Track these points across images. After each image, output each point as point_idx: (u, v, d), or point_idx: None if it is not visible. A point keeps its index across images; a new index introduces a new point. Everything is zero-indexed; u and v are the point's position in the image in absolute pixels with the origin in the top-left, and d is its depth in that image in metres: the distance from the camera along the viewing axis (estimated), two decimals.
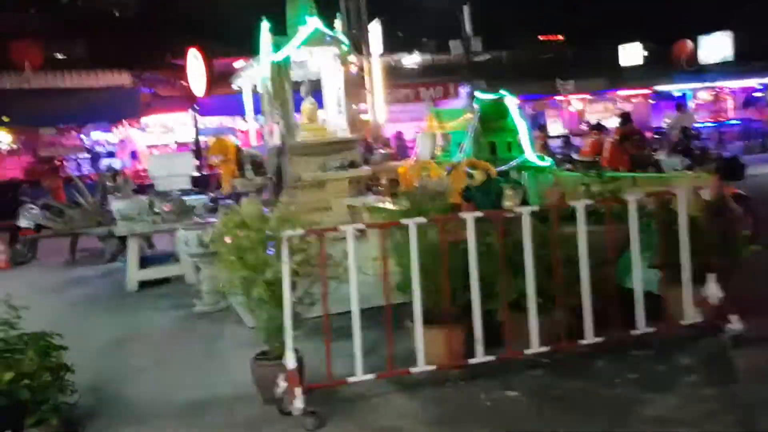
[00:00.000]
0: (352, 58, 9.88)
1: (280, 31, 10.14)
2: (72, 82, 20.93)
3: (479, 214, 4.56)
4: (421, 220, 4.29)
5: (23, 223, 13.06)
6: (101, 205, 12.89)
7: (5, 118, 20.49)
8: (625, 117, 12.31)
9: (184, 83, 22.19)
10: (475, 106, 7.60)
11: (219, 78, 19.95)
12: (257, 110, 14.10)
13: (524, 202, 6.26)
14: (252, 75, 12.72)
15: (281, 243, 4.19)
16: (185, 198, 11.09)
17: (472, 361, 4.38)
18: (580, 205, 4.54)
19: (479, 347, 4.38)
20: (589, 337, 4.59)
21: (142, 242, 9.82)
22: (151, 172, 10.99)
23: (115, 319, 7.58)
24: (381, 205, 7.68)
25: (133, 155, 27.83)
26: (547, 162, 7.54)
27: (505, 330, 4.54)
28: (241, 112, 25.09)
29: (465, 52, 22.14)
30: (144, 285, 9.06)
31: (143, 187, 18.89)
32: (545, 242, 4.59)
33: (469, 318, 4.49)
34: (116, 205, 9.35)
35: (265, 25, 9.96)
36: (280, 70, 9.57)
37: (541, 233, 4.56)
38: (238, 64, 26.84)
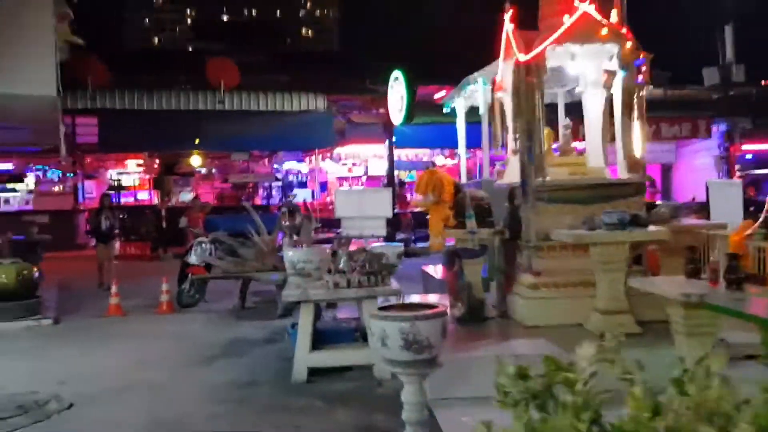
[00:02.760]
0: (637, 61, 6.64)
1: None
2: (266, 104, 19.57)
3: None
4: None
5: (193, 259, 11.14)
6: (280, 246, 10.66)
7: (197, 141, 19.51)
8: None
9: (381, 110, 20.07)
10: None
11: (417, 107, 17.66)
12: (471, 142, 11.37)
13: None
14: (472, 93, 9.89)
15: None
16: (378, 248, 8.43)
17: None
18: None
19: None
20: None
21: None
22: (339, 211, 8.43)
23: None
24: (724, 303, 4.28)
25: (323, 187, 26.39)
26: None
27: None
28: (442, 144, 22.66)
29: (722, 82, 17.80)
30: (316, 372, 6.36)
31: (330, 222, 16.82)
32: None
33: None
34: (289, 254, 6.79)
35: (509, 13, 7.05)
36: (530, 75, 6.55)
37: None
38: (439, 94, 24.51)
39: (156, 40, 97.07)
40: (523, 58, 6.50)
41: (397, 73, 17.09)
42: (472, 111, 11.02)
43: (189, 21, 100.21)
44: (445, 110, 11.42)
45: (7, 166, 23.74)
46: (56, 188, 25.32)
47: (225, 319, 9.89)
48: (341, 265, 6.78)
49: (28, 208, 23.21)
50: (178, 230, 15.12)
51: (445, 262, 7.18)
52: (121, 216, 20.59)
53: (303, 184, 28.48)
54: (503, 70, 7.30)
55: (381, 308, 4.49)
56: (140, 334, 8.99)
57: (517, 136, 6.69)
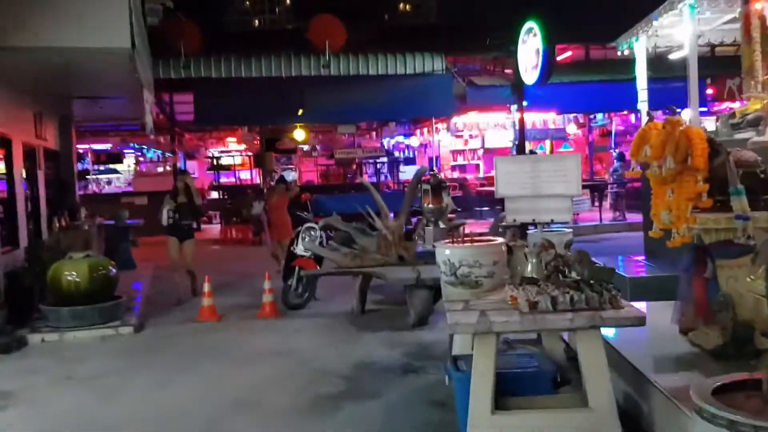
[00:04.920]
0: None
1: None
2: (377, 68, 17.15)
3: None
4: None
5: (300, 249, 9.07)
6: (408, 233, 8.38)
7: (300, 111, 17.44)
8: None
9: (507, 71, 17.38)
10: None
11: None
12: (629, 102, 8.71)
13: None
14: (668, 25, 7.17)
15: None
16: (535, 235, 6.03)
17: None
18: None
19: None
20: None
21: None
22: (501, 189, 6.00)
23: None
24: None
25: (436, 162, 24.03)
26: None
27: None
28: (587, 108, 19.66)
29: None
30: None
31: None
32: None
33: None
34: (446, 252, 4.41)
35: None
36: None
37: None
38: (564, 55, 21.21)
39: (256, 22, 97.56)
40: None
41: (531, 24, 14.33)
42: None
43: (288, 1, 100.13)
44: (619, 52, 8.74)
45: (105, 146, 22.78)
46: (159, 169, 24.32)
47: (341, 328, 7.74)
48: (529, 271, 4.37)
49: (130, 190, 22.25)
50: (249, 218, 13.12)
51: (689, 263, 4.59)
52: (221, 197, 19.01)
53: (410, 160, 26.22)
54: None
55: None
56: (236, 351, 6.95)
57: None
